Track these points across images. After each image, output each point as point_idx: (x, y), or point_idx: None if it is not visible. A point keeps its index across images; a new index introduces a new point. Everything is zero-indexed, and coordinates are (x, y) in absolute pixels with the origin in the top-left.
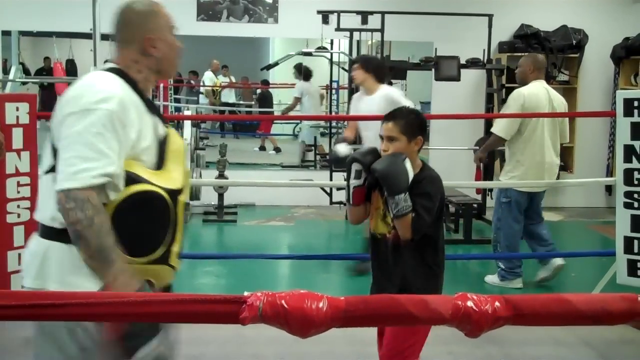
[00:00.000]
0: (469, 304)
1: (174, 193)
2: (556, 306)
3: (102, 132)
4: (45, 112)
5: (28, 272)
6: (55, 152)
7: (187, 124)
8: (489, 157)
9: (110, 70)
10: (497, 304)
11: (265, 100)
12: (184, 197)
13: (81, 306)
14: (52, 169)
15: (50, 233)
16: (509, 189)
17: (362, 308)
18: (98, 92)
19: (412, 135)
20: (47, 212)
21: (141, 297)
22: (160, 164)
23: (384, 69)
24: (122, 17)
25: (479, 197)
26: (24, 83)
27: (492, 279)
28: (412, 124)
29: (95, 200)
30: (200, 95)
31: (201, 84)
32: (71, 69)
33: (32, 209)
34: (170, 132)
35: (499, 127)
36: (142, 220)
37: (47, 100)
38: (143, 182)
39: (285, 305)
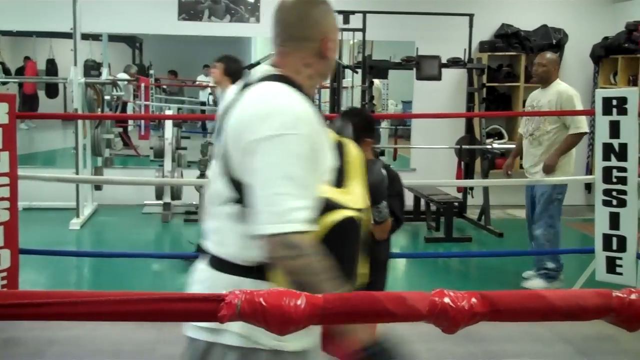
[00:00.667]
0: (446, 300)
1: (361, 212)
2: (532, 302)
3: (302, 162)
4: (25, 113)
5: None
6: (234, 183)
7: (168, 123)
8: (470, 156)
9: (276, 77)
10: (473, 300)
11: None
12: (367, 215)
13: (59, 305)
14: (236, 201)
15: (237, 269)
16: (562, 184)
17: (340, 305)
18: (293, 111)
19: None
20: (232, 249)
21: (119, 296)
22: (340, 178)
23: (242, 72)
24: (299, 11)
25: (459, 195)
26: (4, 83)
27: (537, 283)
28: (359, 126)
29: (308, 242)
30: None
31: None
32: (52, 69)
33: (11, 209)
34: (345, 140)
35: (583, 124)
36: (342, 249)
37: (27, 100)
38: (339, 207)
39: (264, 303)
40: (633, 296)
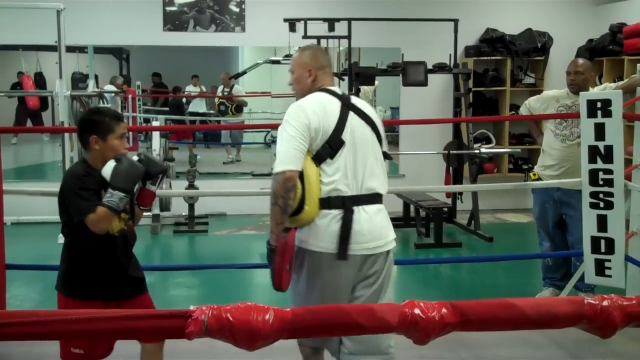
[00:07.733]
0: (416, 311)
1: None
2: (502, 311)
3: None
4: (8, 127)
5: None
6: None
7: (156, 134)
8: (458, 161)
9: None
10: (444, 310)
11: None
12: None
13: (26, 325)
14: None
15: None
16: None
17: (308, 319)
18: None
19: None
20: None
21: (87, 314)
22: None
23: None
24: None
25: (449, 200)
26: None
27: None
28: (79, 127)
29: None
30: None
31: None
32: (40, 82)
33: None
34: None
35: None
36: None
37: (34, 115)
38: None
39: (231, 319)
40: (605, 303)
